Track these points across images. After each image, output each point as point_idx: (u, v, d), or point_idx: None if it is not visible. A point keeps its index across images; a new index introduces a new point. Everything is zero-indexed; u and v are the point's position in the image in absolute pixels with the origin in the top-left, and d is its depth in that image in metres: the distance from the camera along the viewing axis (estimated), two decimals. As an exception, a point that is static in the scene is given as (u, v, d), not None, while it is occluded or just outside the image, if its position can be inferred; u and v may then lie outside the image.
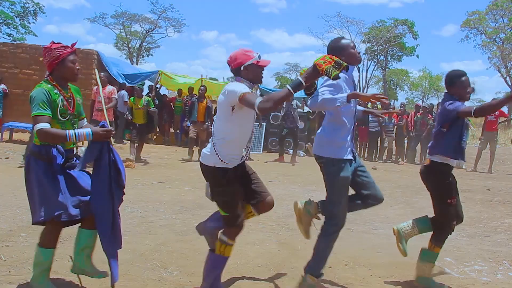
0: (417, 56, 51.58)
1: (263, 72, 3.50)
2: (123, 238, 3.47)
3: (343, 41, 3.73)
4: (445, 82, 4.04)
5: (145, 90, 16.65)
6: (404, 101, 49.79)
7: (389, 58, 52.65)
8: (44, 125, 3.06)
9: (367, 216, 6.34)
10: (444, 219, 3.95)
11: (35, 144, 3.24)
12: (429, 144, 4.09)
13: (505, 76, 42.62)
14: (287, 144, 16.05)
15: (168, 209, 6.36)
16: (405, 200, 7.99)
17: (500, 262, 4.85)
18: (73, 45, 3.33)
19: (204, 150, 3.52)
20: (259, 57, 3.44)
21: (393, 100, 53.69)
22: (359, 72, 47.66)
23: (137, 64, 46.40)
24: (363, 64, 49.73)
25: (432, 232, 4.06)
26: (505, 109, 30.05)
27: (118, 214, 3.36)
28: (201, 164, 3.50)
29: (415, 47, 50.92)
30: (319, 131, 3.85)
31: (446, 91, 4.04)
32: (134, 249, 4.54)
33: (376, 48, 49.47)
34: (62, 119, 3.24)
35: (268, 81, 67.67)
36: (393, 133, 15.38)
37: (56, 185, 3.18)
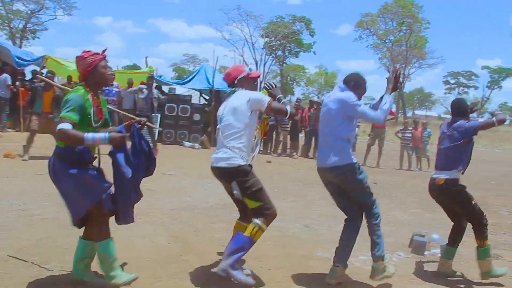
0: (314, 53, 53.43)
1: (256, 82, 3.95)
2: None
3: None
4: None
5: (29, 75, 15.62)
6: (300, 97, 51.74)
7: (286, 54, 54.02)
8: (66, 126, 3.09)
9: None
10: (477, 217, 4.39)
11: (59, 146, 3.28)
12: (441, 161, 4.45)
13: (394, 76, 45.54)
14: (182, 136, 15.73)
15: (52, 201, 5.86)
16: (297, 193, 8.20)
17: (382, 251, 5.09)
18: (103, 51, 3.43)
19: (219, 156, 3.69)
20: (250, 70, 3.91)
21: (289, 95, 55.26)
22: (256, 66, 48.35)
23: (20, 46, 41.65)
24: (261, 59, 50.62)
25: (474, 233, 4.43)
26: (393, 107, 32.03)
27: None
28: (222, 168, 3.68)
29: (312, 44, 52.72)
30: (323, 141, 4.03)
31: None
32: (10, 245, 4.22)
33: (274, 43, 50.52)
34: (93, 125, 3.30)
35: (165, 71, 66.63)
36: (288, 127, 15.76)
37: (89, 174, 3.30)
